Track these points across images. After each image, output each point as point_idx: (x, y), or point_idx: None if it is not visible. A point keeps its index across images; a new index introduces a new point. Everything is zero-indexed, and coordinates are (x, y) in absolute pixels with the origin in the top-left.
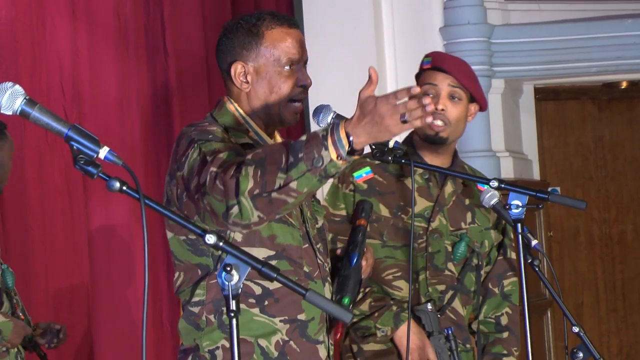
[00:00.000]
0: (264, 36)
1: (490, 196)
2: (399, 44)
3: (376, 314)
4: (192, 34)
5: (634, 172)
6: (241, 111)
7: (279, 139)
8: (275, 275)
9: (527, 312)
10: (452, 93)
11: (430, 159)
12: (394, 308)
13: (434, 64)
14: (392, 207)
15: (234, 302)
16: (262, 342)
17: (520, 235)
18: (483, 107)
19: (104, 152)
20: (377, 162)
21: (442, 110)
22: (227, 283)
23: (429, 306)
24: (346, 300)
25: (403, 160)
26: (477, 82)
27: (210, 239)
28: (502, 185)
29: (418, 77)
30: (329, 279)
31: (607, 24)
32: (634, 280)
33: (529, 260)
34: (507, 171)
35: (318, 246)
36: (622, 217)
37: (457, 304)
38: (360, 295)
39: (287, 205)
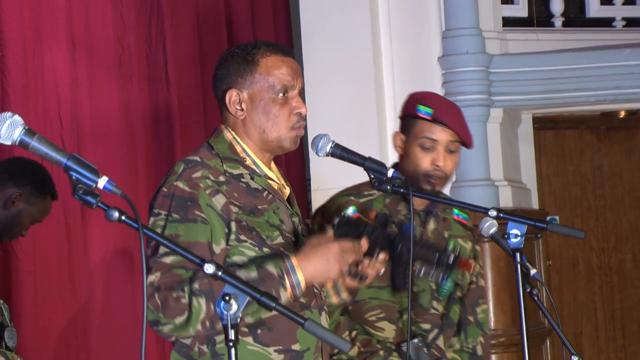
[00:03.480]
0: (258, 63)
1: (489, 226)
2: (397, 73)
3: None
4: (191, 64)
5: (633, 202)
6: (239, 139)
7: (274, 167)
8: (274, 305)
9: (527, 342)
10: (450, 147)
11: (416, 198)
12: (382, 353)
13: (435, 117)
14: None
15: (232, 331)
16: None
17: (519, 265)
18: (470, 147)
19: (102, 181)
20: (361, 200)
21: (443, 166)
22: (225, 312)
23: (417, 341)
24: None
25: (402, 190)
26: (468, 129)
27: (209, 268)
28: (501, 215)
29: (408, 120)
30: (325, 307)
31: (605, 53)
32: (633, 310)
33: (528, 290)
34: (506, 200)
35: None
36: (621, 247)
37: (440, 341)
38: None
39: None
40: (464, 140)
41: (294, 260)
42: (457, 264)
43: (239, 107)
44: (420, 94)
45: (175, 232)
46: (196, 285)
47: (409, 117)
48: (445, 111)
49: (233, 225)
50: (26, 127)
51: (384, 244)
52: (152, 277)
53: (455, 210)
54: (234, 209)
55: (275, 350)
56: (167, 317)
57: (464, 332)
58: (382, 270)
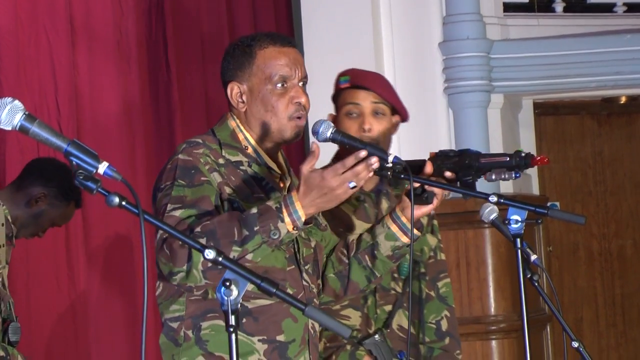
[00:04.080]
0: (256, 56)
1: (490, 211)
2: (398, 60)
3: (333, 357)
4: (192, 50)
5: (633, 187)
6: (242, 128)
7: (281, 160)
8: (275, 291)
9: (527, 327)
10: (376, 109)
11: None
12: (348, 347)
13: (353, 82)
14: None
15: (233, 317)
16: None
17: (519, 250)
18: (405, 118)
19: (103, 167)
20: None
21: (370, 129)
22: (226, 298)
23: (377, 337)
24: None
25: (402, 176)
26: (396, 94)
27: (210, 254)
28: (501, 200)
29: (335, 98)
30: (315, 300)
31: (606, 39)
32: (633, 296)
33: (529, 275)
34: (506, 186)
35: (307, 267)
36: (621, 232)
37: (403, 320)
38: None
39: None
40: (391, 102)
41: (294, 195)
42: (530, 161)
43: (240, 100)
44: (342, 71)
45: (183, 194)
46: (198, 229)
47: (335, 95)
48: (362, 75)
49: (225, 204)
50: (26, 113)
51: (447, 165)
52: (161, 231)
53: (407, 185)
54: (228, 190)
55: (259, 340)
56: (177, 265)
57: (425, 307)
58: (449, 195)
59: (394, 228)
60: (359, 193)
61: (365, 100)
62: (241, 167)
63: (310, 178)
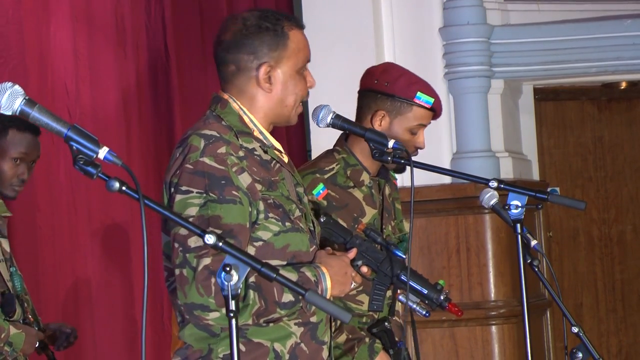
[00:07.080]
0: (289, 38)
1: (490, 197)
2: (398, 44)
3: (355, 349)
4: (192, 34)
5: (633, 173)
6: (246, 110)
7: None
8: (275, 276)
9: (527, 313)
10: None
11: (369, 163)
12: (367, 340)
13: (434, 108)
14: (349, 221)
15: (233, 302)
16: (278, 347)
17: (519, 236)
18: None
19: (103, 152)
20: (325, 176)
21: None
22: (226, 283)
23: (387, 324)
24: (442, 282)
25: (402, 161)
26: None
27: (210, 239)
28: (502, 186)
29: (396, 101)
30: None
31: (607, 24)
32: (633, 281)
33: (529, 261)
34: (507, 171)
35: (319, 244)
36: (621, 218)
37: (398, 305)
38: (334, 327)
39: None
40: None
41: (323, 269)
42: (446, 304)
43: (267, 82)
44: (410, 77)
45: (217, 214)
46: (252, 279)
47: (399, 98)
48: (439, 101)
49: (261, 204)
50: (26, 97)
51: (369, 259)
52: (207, 261)
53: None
54: (259, 187)
55: (295, 324)
56: (218, 305)
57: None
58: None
59: None
60: (370, 178)
61: (429, 122)
62: (255, 153)
63: (331, 255)
